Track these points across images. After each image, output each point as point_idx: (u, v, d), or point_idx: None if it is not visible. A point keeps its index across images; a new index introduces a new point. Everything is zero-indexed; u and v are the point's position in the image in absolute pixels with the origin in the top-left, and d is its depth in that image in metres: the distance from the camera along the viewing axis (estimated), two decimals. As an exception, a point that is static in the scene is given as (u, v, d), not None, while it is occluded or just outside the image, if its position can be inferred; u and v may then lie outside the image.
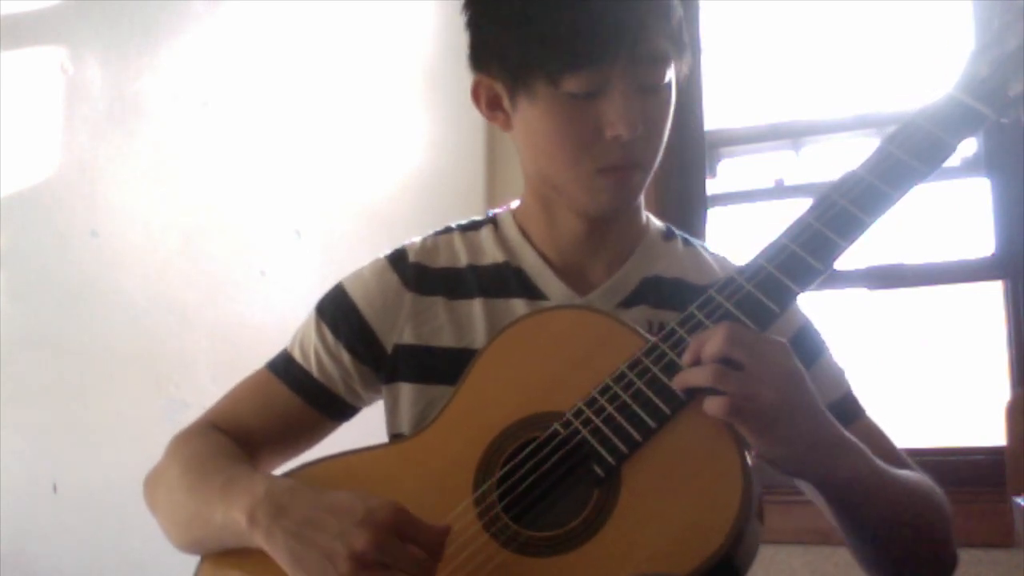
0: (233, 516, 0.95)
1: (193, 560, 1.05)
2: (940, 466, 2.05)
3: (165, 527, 1.09)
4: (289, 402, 1.13)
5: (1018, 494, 1.81)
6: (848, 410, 1.10)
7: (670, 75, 1.04)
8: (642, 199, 1.15)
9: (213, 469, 1.03)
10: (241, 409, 1.14)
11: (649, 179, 1.07)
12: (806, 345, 1.11)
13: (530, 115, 1.03)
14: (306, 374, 1.13)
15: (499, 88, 1.06)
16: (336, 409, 1.15)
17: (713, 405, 0.87)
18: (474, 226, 1.19)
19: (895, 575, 1.03)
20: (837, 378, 1.13)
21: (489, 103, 1.09)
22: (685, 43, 1.05)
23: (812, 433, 0.90)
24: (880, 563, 1.03)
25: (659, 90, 1.03)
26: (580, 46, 0.98)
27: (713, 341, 0.88)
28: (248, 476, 1.00)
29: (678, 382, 0.90)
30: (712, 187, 2.45)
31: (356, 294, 1.14)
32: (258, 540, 0.92)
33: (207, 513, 0.99)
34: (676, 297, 1.10)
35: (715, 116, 2.47)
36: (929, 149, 0.94)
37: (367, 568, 0.84)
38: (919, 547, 1.01)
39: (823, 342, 1.14)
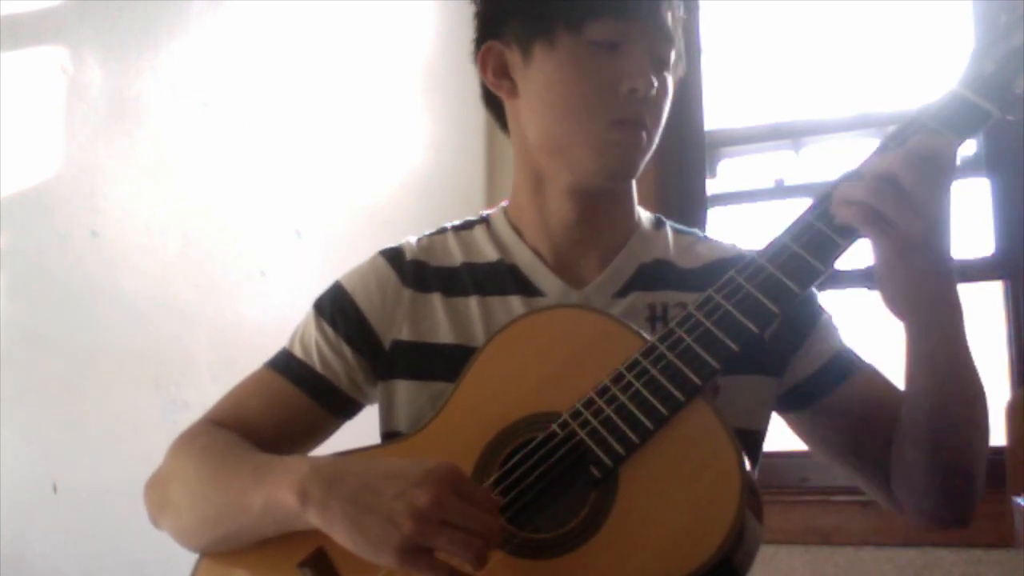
0: (278, 498, 0.92)
1: (190, 562, 1.05)
2: (940, 466, 2.07)
3: (181, 528, 1.05)
4: (292, 397, 1.11)
5: (1018, 494, 1.80)
6: (853, 360, 1.11)
7: (671, 64, 1.09)
8: (635, 196, 1.16)
9: (238, 459, 1.01)
10: (244, 407, 1.12)
11: (648, 157, 1.09)
12: (809, 306, 1.12)
13: (547, 67, 1.06)
14: (308, 369, 1.12)
15: (510, 54, 1.10)
16: (338, 404, 1.13)
17: (848, 212, 0.88)
18: (467, 225, 1.19)
19: (939, 462, 0.99)
20: (837, 332, 1.13)
21: (496, 71, 1.12)
22: (682, 49, 1.11)
23: (937, 278, 0.91)
24: (930, 444, 0.98)
25: (665, 68, 1.08)
26: None
27: (885, 159, 0.88)
28: (281, 459, 0.97)
29: (837, 195, 0.90)
30: (712, 187, 2.45)
31: (354, 290, 1.13)
32: (311, 517, 0.89)
33: (242, 502, 0.96)
34: (671, 280, 1.11)
35: (715, 116, 2.47)
36: None
37: (430, 526, 0.82)
38: (966, 432, 0.98)
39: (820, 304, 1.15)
